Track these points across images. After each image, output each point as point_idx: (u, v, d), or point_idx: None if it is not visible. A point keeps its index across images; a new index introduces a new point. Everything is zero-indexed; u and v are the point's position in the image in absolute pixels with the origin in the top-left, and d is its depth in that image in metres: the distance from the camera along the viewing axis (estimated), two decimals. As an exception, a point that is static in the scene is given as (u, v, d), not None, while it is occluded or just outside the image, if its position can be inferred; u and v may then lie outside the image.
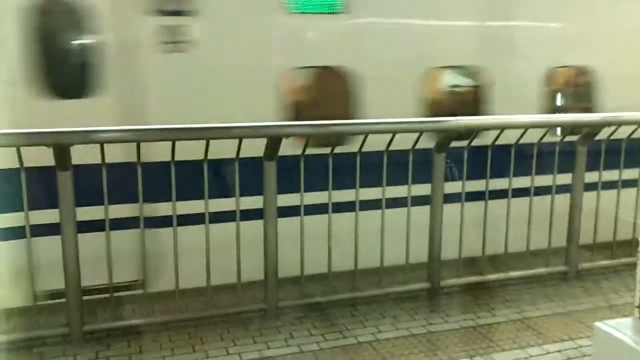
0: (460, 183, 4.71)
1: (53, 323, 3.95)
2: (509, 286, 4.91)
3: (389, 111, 4.57)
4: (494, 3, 5.48)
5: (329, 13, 4.98)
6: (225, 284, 4.27)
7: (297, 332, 4.13)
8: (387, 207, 4.51)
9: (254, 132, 4.12)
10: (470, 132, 4.72)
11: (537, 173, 4.89)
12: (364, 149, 4.39)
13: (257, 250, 4.22)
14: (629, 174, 5.24)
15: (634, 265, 5.25)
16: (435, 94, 5.48)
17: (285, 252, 4.28)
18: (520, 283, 4.96)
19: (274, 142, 4.05)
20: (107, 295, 4.08)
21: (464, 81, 5.68)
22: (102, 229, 3.95)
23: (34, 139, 3.70)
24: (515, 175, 4.84)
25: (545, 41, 5.62)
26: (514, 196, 4.85)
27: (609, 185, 5.15)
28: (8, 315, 3.98)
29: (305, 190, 4.33)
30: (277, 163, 4.14)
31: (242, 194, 4.18)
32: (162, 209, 4.24)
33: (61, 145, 3.66)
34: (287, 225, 4.28)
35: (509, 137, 4.78)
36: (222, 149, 4.07)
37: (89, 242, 3.96)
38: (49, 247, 3.89)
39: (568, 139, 5.14)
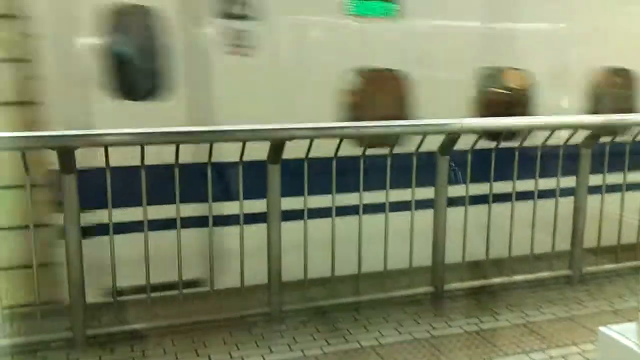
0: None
1: (56, 327, 3.95)
2: (513, 290, 4.89)
3: (441, 111, 4.68)
4: (543, 7, 5.64)
5: (384, 17, 5.16)
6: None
7: (300, 336, 4.13)
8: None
9: (257, 135, 4.12)
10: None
11: (541, 176, 4.89)
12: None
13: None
14: (634, 177, 5.23)
15: (639, 269, 5.30)
16: (486, 95, 5.58)
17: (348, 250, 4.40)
18: (524, 287, 4.94)
19: (277, 146, 4.06)
20: (175, 292, 4.16)
21: (512, 83, 5.82)
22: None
23: (39, 142, 3.71)
24: (519, 178, 4.84)
25: (589, 43, 5.72)
26: (518, 199, 4.83)
27: (613, 188, 5.14)
28: (12, 319, 3.98)
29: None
30: (338, 163, 4.28)
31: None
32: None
33: (65, 149, 3.67)
34: (352, 224, 4.39)
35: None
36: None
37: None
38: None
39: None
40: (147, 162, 3.93)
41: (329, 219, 4.38)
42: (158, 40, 4.64)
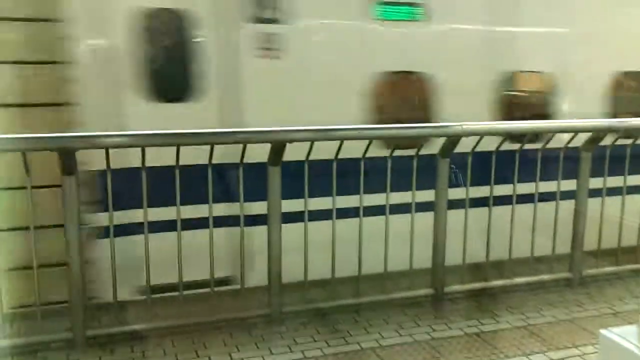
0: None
1: (56, 328, 3.95)
2: (513, 292, 4.89)
3: (464, 113, 4.77)
4: (565, 11, 5.72)
5: (411, 21, 5.25)
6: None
7: (300, 337, 4.13)
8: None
9: (257, 137, 4.13)
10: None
11: (541, 179, 4.89)
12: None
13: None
14: (635, 179, 5.23)
15: (639, 272, 5.30)
16: (508, 98, 5.66)
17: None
18: (524, 289, 4.94)
19: (278, 148, 4.06)
20: (207, 289, 4.22)
21: (536, 86, 5.90)
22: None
23: (40, 144, 3.71)
24: (519, 181, 4.84)
25: (610, 46, 5.77)
26: (518, 202, 4.84)
27: (614, 191, 5.14)
28: (12, 319, 3.98)
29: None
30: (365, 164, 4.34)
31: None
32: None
33: (66, 150, 3.67)
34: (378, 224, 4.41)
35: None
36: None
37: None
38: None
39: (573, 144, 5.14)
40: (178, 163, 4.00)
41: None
42: (190, 43, 4.74)
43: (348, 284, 4.51)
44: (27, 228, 3.76)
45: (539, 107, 5.80)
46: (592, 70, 5.68)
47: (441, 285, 4.68)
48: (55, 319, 3.99)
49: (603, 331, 2.49)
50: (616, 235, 5.23)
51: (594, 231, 5.10)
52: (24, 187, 3.75)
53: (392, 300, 4.59)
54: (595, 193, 5.07)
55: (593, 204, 5.07)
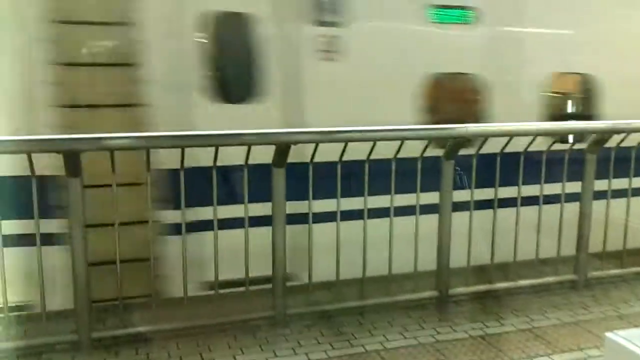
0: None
1: (62, 330, 3.96)
2: (518, 295, 4.88)
3: (513, 113, 5.02)
4: (612, 13, 5.95)
5: (462, 24, 5.50)
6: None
7: (304, 340, 4.12)
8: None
9: (262, 139, 4.13)
10: None
11: (547, 181, 4.88)
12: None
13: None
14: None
15: (645, 274, 5.26)
16: (554, 99, 5.90)
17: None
18: (529, 292, 4.93)
19: (282, 149, 4.06)
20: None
21: (579, 87, 6.10)
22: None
23: (45, 146, 3.72)
24: (524, 183, 4.83)
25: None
26: (523, 205, 4.83)
27: (619, 193, 5.13)
28: (17, 321, 3.99)
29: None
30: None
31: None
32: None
33: (72, 152, 3.68)
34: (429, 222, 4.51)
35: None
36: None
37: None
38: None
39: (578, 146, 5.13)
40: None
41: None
42: (255, 45, 4.91)
43: (352, 286, 4.50)
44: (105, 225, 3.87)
45: (579, 108, 6.02)
46: (632, 73, 5.84)
47: (446, 287, 4.68)
48: (60, 320, 4.00)
49: (609, 334, 2.47)
50: (621, 237, 5.21)
51: (599, 233, 5.09)
52: (109, 185, 3.86)
53: (397, 303, 4.59)
54: (600, 195, 5.06)
55: (598, 206, 5.06)
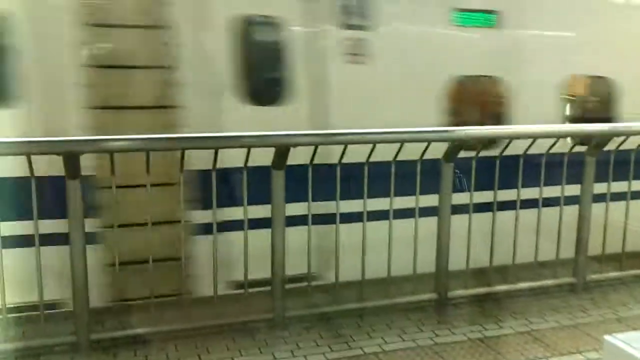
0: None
1: (60, 331, 3.96)
2: (517, 298, 4.88)
3: (534, 116, 5.18)
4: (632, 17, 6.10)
5: (485, 27, 5.61)
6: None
7: (303, 342, 4.12)
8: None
9: (261, 142, 4.13)
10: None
11: (546, 184, 4.89)
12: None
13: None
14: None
15: (644, 277, 5.26)
16: (575, 101, 6.04)
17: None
18: (528, 294, 4.92)
19: (282, 152, 4.06)
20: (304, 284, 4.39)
21: (601, 90, 6.19)
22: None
23: (45, 147, 3.72)
24: (523, 186, 4.83)
25: None
26: (522, 207, 4.83)
27: (618, 196, 5.13)
28: (16, 323, 3.99)
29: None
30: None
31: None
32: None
33: (71, 154, 3.68)
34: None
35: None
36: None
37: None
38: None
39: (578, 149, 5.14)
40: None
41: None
42: (284, 49, 5.03)
43: (351, 288, 4.50)
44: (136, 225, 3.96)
45: (598, 111, 6.13)
46: None
47: (445, 290, 4.68)
48: (59, 322, 4.00)
49: (607, 337, 2.48)
50: (620, 240, 5.21)
51: (599, 236, 5.10)
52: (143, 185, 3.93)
53: (396, 305, 4.59)
54: (599, 198, 5.06)
55: (597, 209, 5.06)
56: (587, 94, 6.28)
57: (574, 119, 5.88)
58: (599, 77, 6.13)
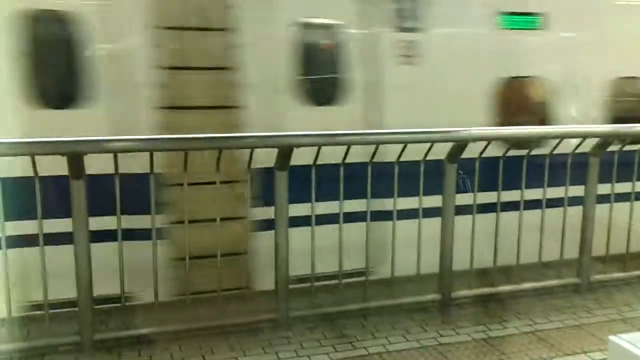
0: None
1: (64, 331, 3.96)
2: (521, 298, 4.87)
3: (577, 115, 5.44)
4: None
5: (530, 29, 5.80)
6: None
7: (307, 342, 4.12)
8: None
9: (265, 142, 4.15)
10: None
11: (549, 184, 4.88)
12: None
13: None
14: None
15: (648, 277, 5.25)
16: (617, 102, 6.11)
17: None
18: (532, 295, 4.92)
19: (285, 152, 4.06)
20: (336, 281, 4.45)
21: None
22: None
23: (49, 148, 3.72)
24: (527, 187, 4.83)
25: None
26: (526, 208, 4.82)
27: (623, 197, 5.12)
28: (20, 323, 4.00)
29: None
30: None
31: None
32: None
33: (75, 154, 3.69)
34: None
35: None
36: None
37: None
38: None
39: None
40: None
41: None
42: (340, 51, 5.24)
43: (355, 288, 4.50)
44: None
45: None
46: None
47: (448, 290, 4.67)
48: (63, 322, 4.01)
49: (612, 338, 2.47)
50: (624, 240, 5.20)
51: (602, 236, 5.09)
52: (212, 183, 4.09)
53: (400, 305, 4.58)
54: (602, 199, 5.05)
55: (601, 209, 5.06)
56: (629, 95, 6.35)
57: (616, 120, 5.95)
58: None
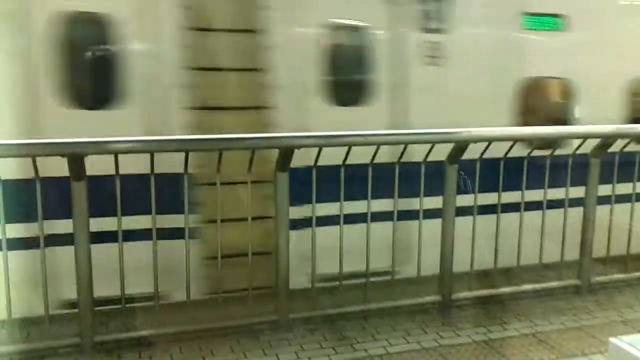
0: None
1: (65, 333, 3.96)
2: (521, 300, 4.87)
3: (600, 115, 5.43)
4: None
5: (553, 30, 5.84)
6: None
7: (307, 344, 4.12)
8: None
9: (265, 143, 4.15)
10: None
11: (550, 185, 4.88)
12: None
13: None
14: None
15: (648, 279, 5.25)
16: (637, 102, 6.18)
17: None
18: (532, 297, 4.92)
19: (286, 154, 4.06)
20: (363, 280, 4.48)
21: None
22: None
23: (50, 149, 3.73)
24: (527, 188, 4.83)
25: None
26: (526, 209, 4.82)
27: (623, 198, 5.12)
28: (21, 324, 4.00)
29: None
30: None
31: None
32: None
33: (76, 156, 3.68)
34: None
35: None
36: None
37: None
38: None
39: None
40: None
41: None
42: (366, 52, 5.29)
43: (355, 290, 4.50)
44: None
45: None
46: None
47: (449, 292, 4.67)
48: (63, 324, 4.00)
49: (613, 339, 2.47)
50: (625, 242, 5.20)
51: (603, 238, 5.08)
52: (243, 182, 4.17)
53: (400, 307, 4.58)
54: (603, 200, 5.05)
55: (601, 211, 5.05)
56: None
57: (636, 120, 5.98)
58: None
